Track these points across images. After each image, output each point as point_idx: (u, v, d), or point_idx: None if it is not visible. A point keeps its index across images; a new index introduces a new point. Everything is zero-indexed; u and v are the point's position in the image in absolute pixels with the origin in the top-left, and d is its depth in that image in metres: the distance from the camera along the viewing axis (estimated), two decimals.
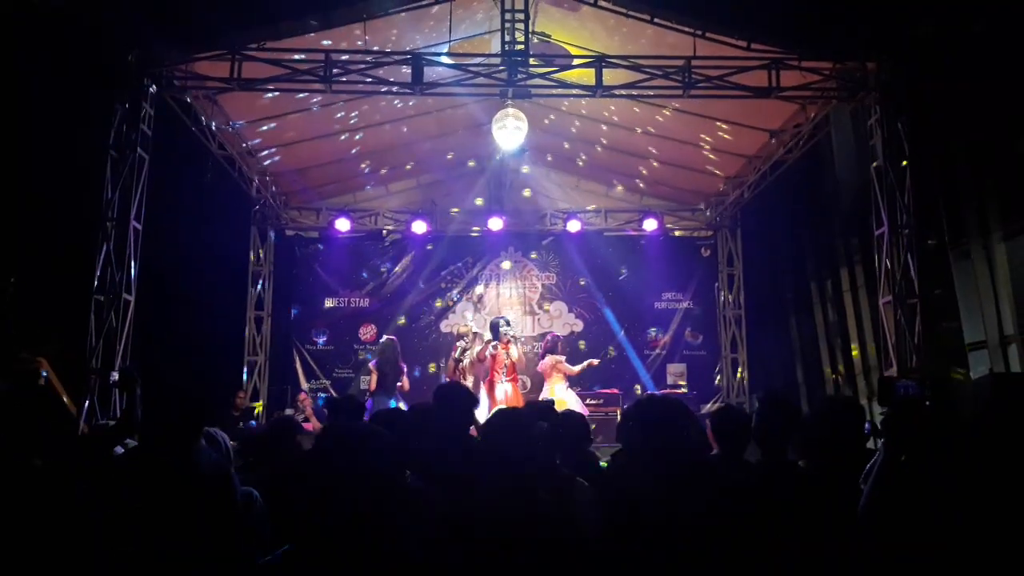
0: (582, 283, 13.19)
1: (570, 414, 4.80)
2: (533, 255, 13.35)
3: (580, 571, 3.13)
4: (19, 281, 8.59)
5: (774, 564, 2.94)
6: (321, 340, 12.90)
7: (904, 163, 8.27)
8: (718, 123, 10.32)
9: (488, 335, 9.50)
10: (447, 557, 2.78)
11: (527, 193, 13.29)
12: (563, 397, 9.12)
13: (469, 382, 9.12)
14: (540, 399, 8.84)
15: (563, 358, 9.75)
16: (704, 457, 3.82)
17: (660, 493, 3.38)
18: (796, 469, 3.24)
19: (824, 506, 2.95)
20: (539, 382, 11.77)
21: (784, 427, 3.43)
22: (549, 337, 10.13)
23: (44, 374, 7.37)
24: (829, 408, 3.39)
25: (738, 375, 12.98)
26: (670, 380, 12.86)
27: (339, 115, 10.39)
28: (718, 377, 13.08)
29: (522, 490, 3.14)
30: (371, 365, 9.59)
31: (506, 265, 13.32)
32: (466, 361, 9.42)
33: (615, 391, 11.10)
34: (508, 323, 9.61)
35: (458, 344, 9.62)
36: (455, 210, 13.06)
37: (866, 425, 3.43)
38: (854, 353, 12.05)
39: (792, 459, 3.52)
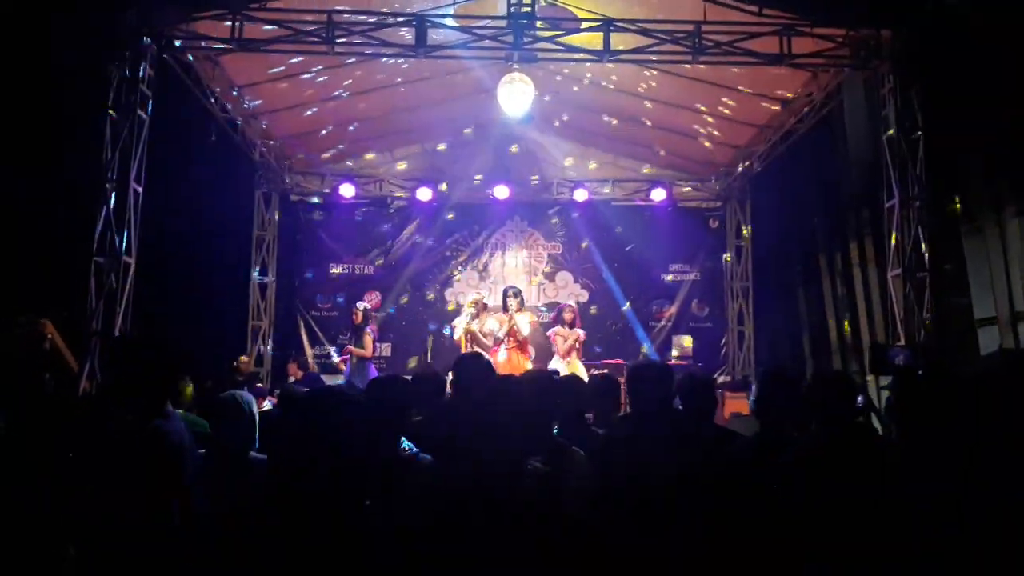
0: (588, 253, 13.08)
1: (570, 381, 4.71)
2: (540, 224, 13.23)
3: (569, 541, 3.09)
4: (20, 243, 8.56)
5: (762, 533, 2.89)
6: (325, 306, 12.86)
7: (917, 134, 8.09)
8: (728, 91, 10.12)
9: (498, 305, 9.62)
10: (431, 526, 2.74)
11: (538, 155, 13.12)
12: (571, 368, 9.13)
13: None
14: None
15: (567, 331, 9.67)
16: (698, 425, 3.77)
17: (652, 460, 3.34)
18: (791, 441, 3.18)
19: (816, 478, 2.88)
20: (544, 353, 11.74)
21: (782, 401, 3.37)
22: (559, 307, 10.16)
23: (49, 336, 7.40)
24: (820, 382, 3.32)
25: (744, 348, 12.88)
26: (676, 352, 12.77)
27: (344, 78, 10.25)
28: (724, 349, 13.00)
29: (510, 461, 3.09)
30: (370, 331, 9.61)
31: (513, 234, 13.21)
32: (476, 327, 9.42)
33: (619, 361, 11.03)
34: (516, 293, 9.58)
35: (468, 310, 9.60)
36: (477, 177, 12.90)
37: (859, 398, 3.36)
38: (862, 326, 11.95)
39: (790, 433, 3.46)
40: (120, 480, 2.26)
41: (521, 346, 9.34)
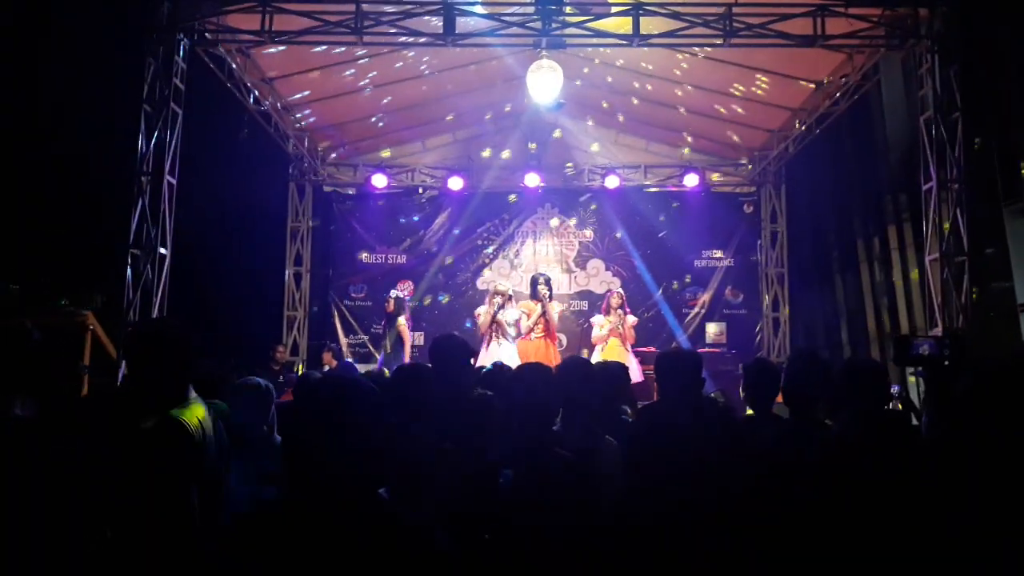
0: (620, 240, 12.99)
1: (607, 368, 4.65)
2: (571, 212, 13.17)
3: (598, 528, 3.08)
4: (58, 236, 8.74)
5: (793, 521, 2.86)
6: (359, 296, 12.96)
7: (955, 115, 7.89)
8: (761, 74, 9.97)
9: (526, 295, 9.47)
10: (446, 517, 2.74)
11: (569, 142, 13.01)
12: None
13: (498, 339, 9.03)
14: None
15: (602, 318, 9.53)
16: (728, 412, 3.74)
17: (683, 447, 3.31)
18: (822, 429, 3.13)
19: (845, 465, 2.83)
20: (575, 341, 11.68)
21: (813, 386, 3.32)
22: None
23: (90, 327, 7.56)
24: (851, 369, 3.26)
25: (779, 335, 12.73)
26: (709, 339, 12.68)
27: (373, 70, 10.29)
28: (759, 336, 12.86)
29: (539, 449, 3.09)
30: (404, 319, 9.64)
31: (549, 222, 13.17)
32: (502, 317, 9.30)
33: (651, 349, 10.96)
34: (547, 282, 9.42)
35: (495, 299, 9.36)
36: (505, 154, 12.86)
37: (895, 387, 3.31)
38: (900, 313, 11.74)
39: (820, 419, 3.41)
40: (133, 469, 2.28)
41: (551, 335, 9.18)
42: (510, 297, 9.49)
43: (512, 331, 9.08)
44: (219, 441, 2.49)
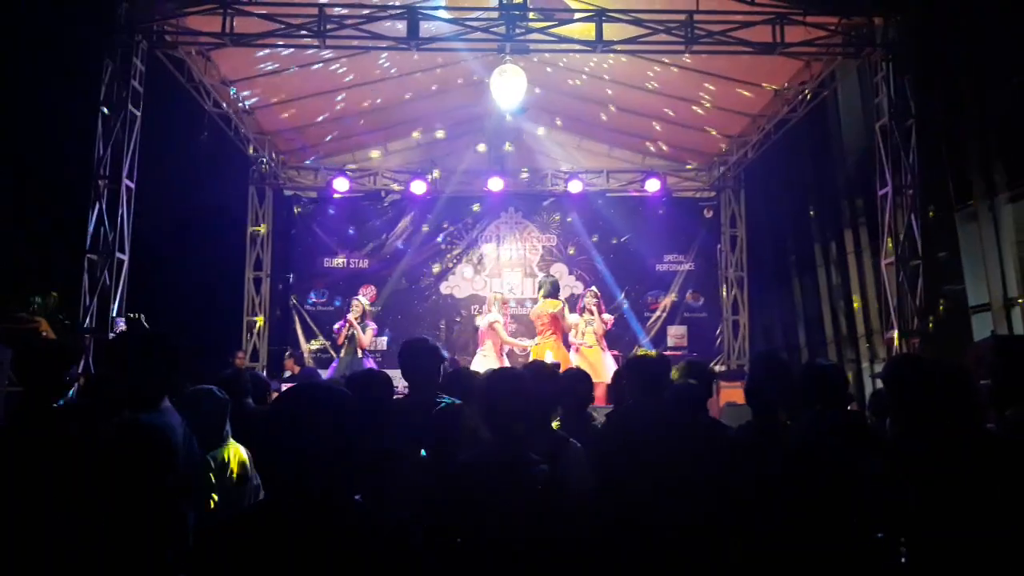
0: (583, 244, 13.07)
1: (574, 374, 4.69)
2: (534, 216, 13.21)
3: (568, 530, 3.09)
4: (13, 238, 8.55)
5: (758, 520, 2.90)
6: (320, 300, 12.85)
7: (910, 122, 8.09)
8: (721, 80, 10.11)
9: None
10: (426, 520, 2.74)
11: (532, 147, 13.10)
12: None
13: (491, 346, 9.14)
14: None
15: (583, 320, 9.52)
16: (693, 413, 3.78)
17: (650, 450, 3.35)
18: (783, 429, 3.18)
19: (806, 464, 2.89)
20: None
21: (774, 388, 3.37)
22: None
23: (43, 334, 7.39)
24: (812, 371, 3.32)
25: (739, 337, 12.90)
26: (671, 342, 12.80)
27: (336, 72, 10.22)
28: (719, 339, 13.02)
29: (511, 452, 3.10)
30: (356, 320, 9.52)
31: (512, 226, 13.20)
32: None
33: (615, 353, 11.02)
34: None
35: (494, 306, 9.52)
36: (462, 166, 12.90)
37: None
38: (856, 314, 11.98)
39: (782, 419, 3.46)
40: (96, 476, 2.22)
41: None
42: (505, 301, 9.68)
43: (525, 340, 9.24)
44: (190, 450, 2.44)
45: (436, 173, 12.65)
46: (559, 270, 13.02)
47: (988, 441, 2.65)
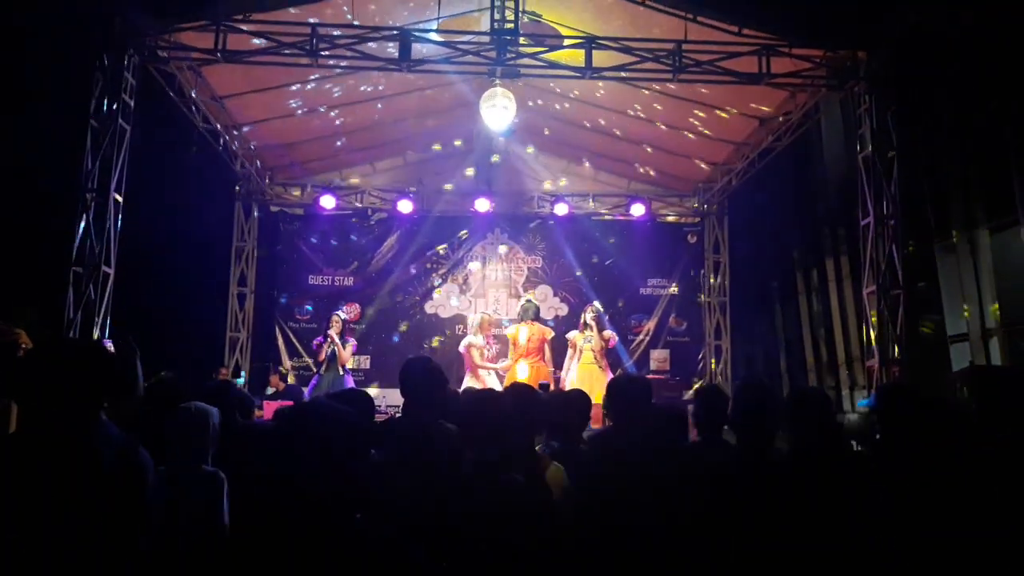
0: (568, 267, 13.13)
1: (570, 394, 4.69)
2: (520, 238, 13.28)
3: (550, 552, 3.12)
4: None
5: (743, 544, 2.94)
6: (304, 318, 12.82)
7: (891, 153, 8.24)
8: (706, 109, 10.26)
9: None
10: (413, 540, 2.76)
11: (520, 169, 13.20)
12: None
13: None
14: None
15: (582, 336, 9.59)
16: (676, 438, 3.81)
17: (632, 472, 3.38)
18: (768, 454, 3.23)
19: (791, 492, 2.93)
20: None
21: (759, 413, 3.41)
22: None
23: (23, 346, 7.32)
24: (800, 397, 3.38)
25: (721, 362, 12.99)
26: (653, 366, 12.87)
27: (326, 90, 10.27)
28: (701, 364, 13.10)
29: (490, 473, 3.13)
30: (336, 335, 9.49)
31: (498, 247, 13.25)
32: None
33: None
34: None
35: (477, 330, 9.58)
36: (447, 186, 12.99)
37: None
38: (837, 342, 12.11)
39: (767, 445, 3.50)
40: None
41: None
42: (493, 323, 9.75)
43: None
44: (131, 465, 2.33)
45: (414, 190, 12.77)
46: (544, 291, 13.08)
47: (978, 464, 2.71)
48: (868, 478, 2.97)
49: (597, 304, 10.36)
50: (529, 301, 10.03)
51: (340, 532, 1.53)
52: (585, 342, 9.35)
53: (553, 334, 9.59)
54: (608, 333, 9.80)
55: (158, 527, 2.46)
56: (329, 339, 9.46)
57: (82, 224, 7.66)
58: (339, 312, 10.00)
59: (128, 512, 2.08)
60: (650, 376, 11.97)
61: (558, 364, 9.91)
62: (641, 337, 13.04)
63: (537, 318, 9.43)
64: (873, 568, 2.76)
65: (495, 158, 12.94)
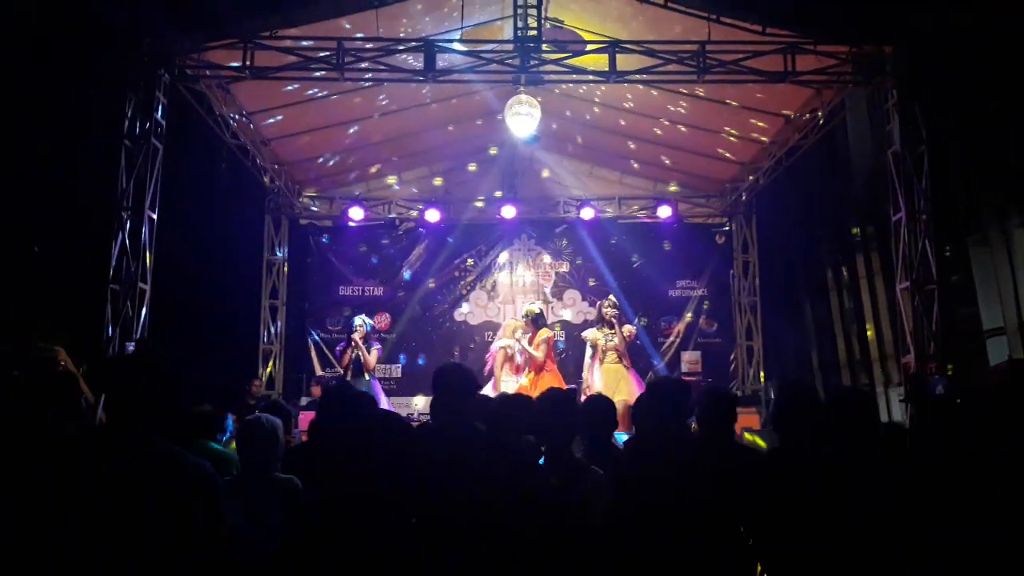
0: (595, 270, 13.12)
1: (595, 401, 4.70)
2: (547, 243, 13.30)
3: (587, 555, 3.14)
4: (38, 271, 8.65)
5: (782, 545, 2.94)
6: (335, 328, 12.91)
7: (921, 148, 8.16)
8: (733, 108, 10.22)
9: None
10: (451, 544, 2.79)
11: (545, 174, 13.22)
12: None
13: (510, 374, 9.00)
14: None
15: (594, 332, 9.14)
16: (712, 440, 3.82)
17: (668, 475, 3.39)
18: (811, 456, 3.21)
19: (835, 493, 2.93)
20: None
21: (801, 414, 3.41)
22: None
23: (62, 363, 7.46)
24: (842, 398, 3.37)
25: (753, 363, 12.91)
26: (685, 368, 12.81)
27: (353, 105, 10.37)
28: (733, 365, 13.02)
29: (525, 477, 3.16)
30: (360, 340, 9.40)
31: (525, 253, 13.26)
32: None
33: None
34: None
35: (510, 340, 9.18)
36: (479, 201, 13.05)
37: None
38: (870, 340, 11.99)
39: (808, 447, 3.49)
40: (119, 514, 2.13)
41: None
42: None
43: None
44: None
45: (438, 180, 12.80)
46: (572, 296, 13.09)
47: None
48: (913, 474, 2.96)
49: (612, 297, 9.64)
50: (527, 312, 9.42)
51: (390, 533, 1.57)
52: (607, 341, 8.84)
53: (551, 333, 9.27)
54: (629, 327, 9.47)
55: (235, 532, 2.53)
56: (353, 344, 9.37)
57: (118, 242, 7.80)
58: (362, 316, 9.96)
59: (207, 517, 2.14)
60: (682, 378, 11.91)
61: (559, 364, 9.73)
62: (672, 339, 12.99)
63: (537, 323, 9.12)
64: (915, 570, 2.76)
65: (533, 166, 12.94)
